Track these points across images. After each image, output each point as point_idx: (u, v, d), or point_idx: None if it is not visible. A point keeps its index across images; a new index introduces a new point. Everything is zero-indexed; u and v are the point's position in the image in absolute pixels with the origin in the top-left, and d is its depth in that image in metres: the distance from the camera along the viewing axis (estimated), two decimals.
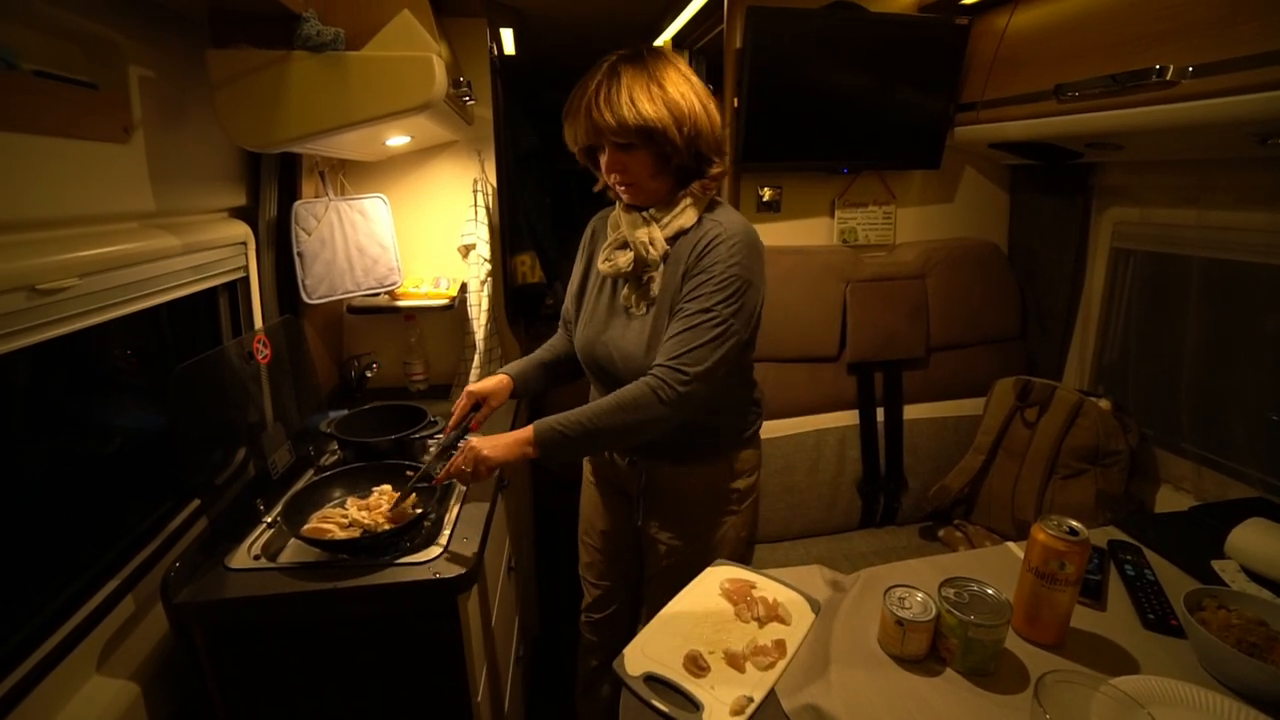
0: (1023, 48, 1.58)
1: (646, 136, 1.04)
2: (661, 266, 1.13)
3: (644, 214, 1.13)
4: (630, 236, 1.13)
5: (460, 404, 1.23)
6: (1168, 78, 1.16)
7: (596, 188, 1.20)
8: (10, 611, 0.87)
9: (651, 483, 1.26)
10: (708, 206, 1.14)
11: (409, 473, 1.26)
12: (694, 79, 1.09)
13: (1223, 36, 1.09)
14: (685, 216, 1.11)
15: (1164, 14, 1.20)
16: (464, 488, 1.29)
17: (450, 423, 1.23)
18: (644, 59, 1.06)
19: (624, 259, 1.13)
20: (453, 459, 1.09)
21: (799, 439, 1.80)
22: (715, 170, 1.12)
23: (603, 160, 1.10)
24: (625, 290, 1.16)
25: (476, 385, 1.25)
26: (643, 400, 1.04)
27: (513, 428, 1.61)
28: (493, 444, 1.06)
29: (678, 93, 1.05)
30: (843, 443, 1.83)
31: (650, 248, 1.11)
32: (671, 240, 1.12)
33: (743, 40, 1.62)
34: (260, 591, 1.00)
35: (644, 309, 1.14)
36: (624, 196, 1.13)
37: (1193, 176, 1.49)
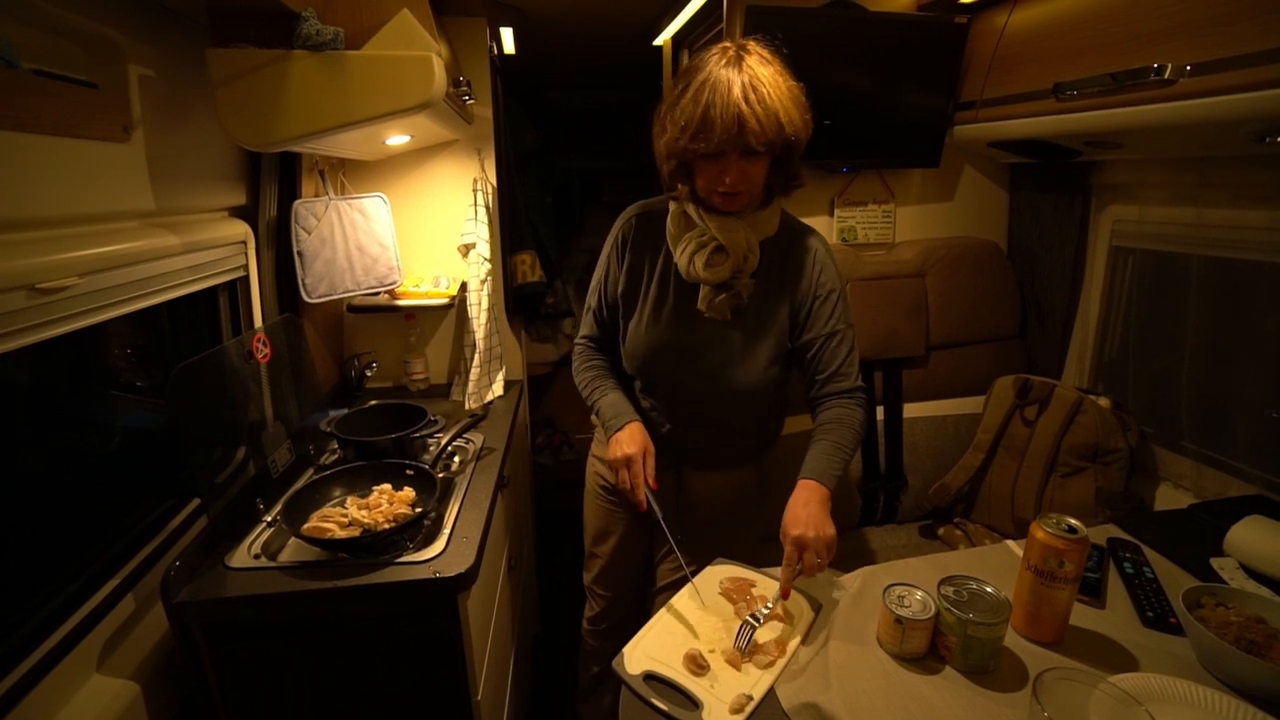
0: (1021, 46, 1.58)
1: (784, 146, 0.98)
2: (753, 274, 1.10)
3: (744, 219, 1.07)
4: (729, 241, 1.05)
5: (638, 472, 1.10)
6: (1166, 76, 1.16)
7: (681, 191, 1.09)
8: (11, 610, 0.87)
9: (684, 491, 1.25)
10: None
11: (408, 472, 1.26)
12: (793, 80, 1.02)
13: (1221, 35, 1.09)
14: (774, 223, 1.11)
15: (1162, 13, 1.20)
16: (464, 489, 1.29)
17: (642, 496, 1.09)
18: (766, 57, 0.99)
19: (728, 265, 1.06)
20: (804, 562, 0.94)
21: (799, 438, 1.78)
22: (801, 177, 1.10)
23: (712, 167, 1.00)
24: (707, 294, 1.09)
25: (636, 445, 1.11)
26: (863, 422, 1.11)
27: (512, 427, 1.63)
28: (819, 523, 0.95)
29: (799, 100, 1.00)
30: None
31: (750, 255, 1.08)
32: (760, 247, 1.11)
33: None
34: (260, 590, 1.00)
35: (729, 315, 1.10)
36: (724, 205, 1.05)
37: (1192, 174, 1.49)
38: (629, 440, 1.12)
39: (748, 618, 0.94)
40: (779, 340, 1.13)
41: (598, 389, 1.22)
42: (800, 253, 1.12)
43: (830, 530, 0.95)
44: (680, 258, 1.10)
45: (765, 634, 0.95)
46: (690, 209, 1.09)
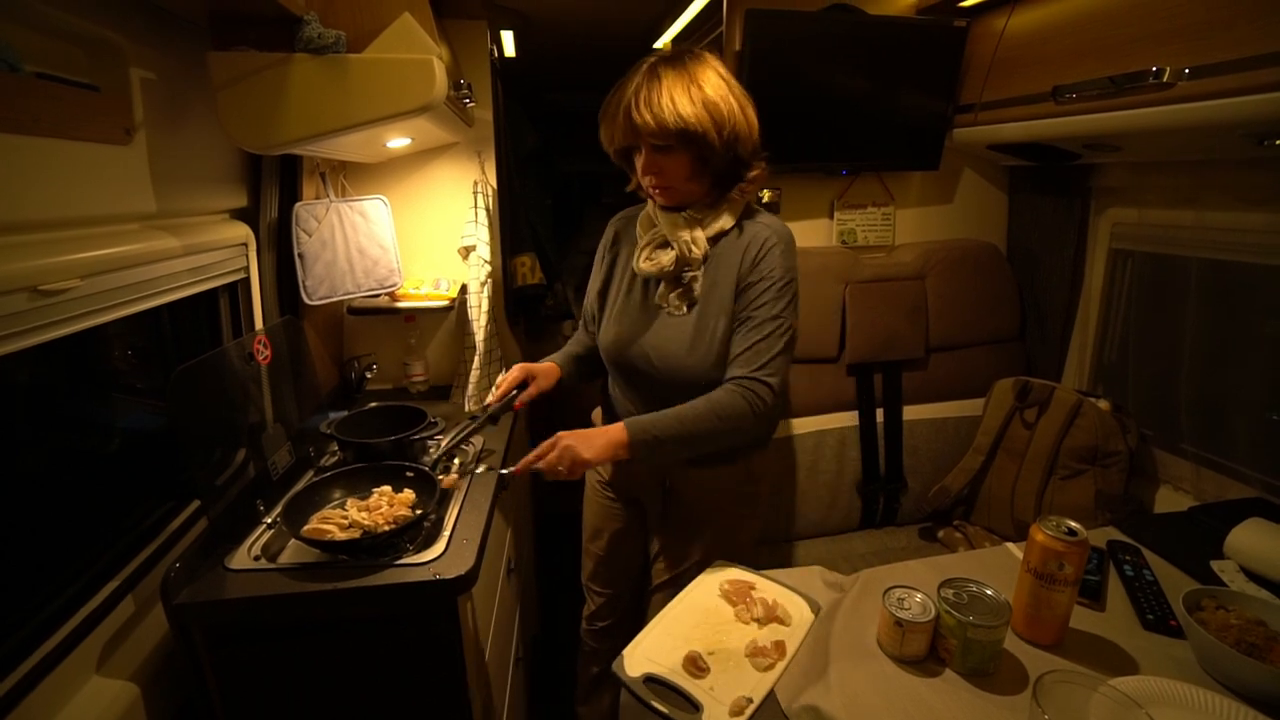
0: (1021, 50, 1.58)
1: (685, 139, 1.04)
2: (702, 267, 1.14)
3: (685, 214, 1.13)
4: (672, 236, 1.13)
5: (511, 377, 1.23)
6: (1165, 79, 1.17)
7: (629, 188, 1.20)
8: (10, 612, 0.87)
9: (672, 489, 1.25)
10: (745, 212, 1.16)
11: (408, 473, 1.27)
12: (734, 83, 1.09)
13: (1219, 38, 1.10)
14: (726, 219, 1.14)
15: (1161, 16, 1.20)
16: (463, 491, 1.29)
17: (498, 393, 1.23)
18: (684, 61, 1.06)
19: (667, 258, 1.13)
20: (544, 454, 1.06)
21: (798, 440, 1.80)
22: (754, 174, 1.13)
23: (639, 161, 1.10)
24: (662, 290, 1.16)
25: (528, 364, 1.26)
26: (737, 410, 1.07)
27: (512, 429, 1.63)
28: (589, 444, 1.05)
29: (718, 95, 1.05)
30: (842, 443, 1.83)
31: (693, 247, 1.12)
32: (712, 241, 1.14)
33: (741, 42, 1.62)
34: (260, 592, 1.00)
35: (684, 309, 1.14)
36: (658, 198, 1.14)
37: (1191, 177, 1.50)
38: (535, 364, 1.27)
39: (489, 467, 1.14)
40: (728, 329, 1.15)
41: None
42: (748, 243, 1.13)
43: (590, 460, 1.05)
44: (636, 254, 1.19)
45: (765, 636, 0.95)
46: (651, 209, 1.18)
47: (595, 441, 1.06)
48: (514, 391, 1.23)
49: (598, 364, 1.32)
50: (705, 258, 1.14)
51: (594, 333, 1.32)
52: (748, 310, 1.10)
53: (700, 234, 1.13)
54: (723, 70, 1.09)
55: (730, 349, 1.12)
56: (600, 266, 1.30)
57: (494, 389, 1.25)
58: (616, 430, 1.06)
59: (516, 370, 1.24)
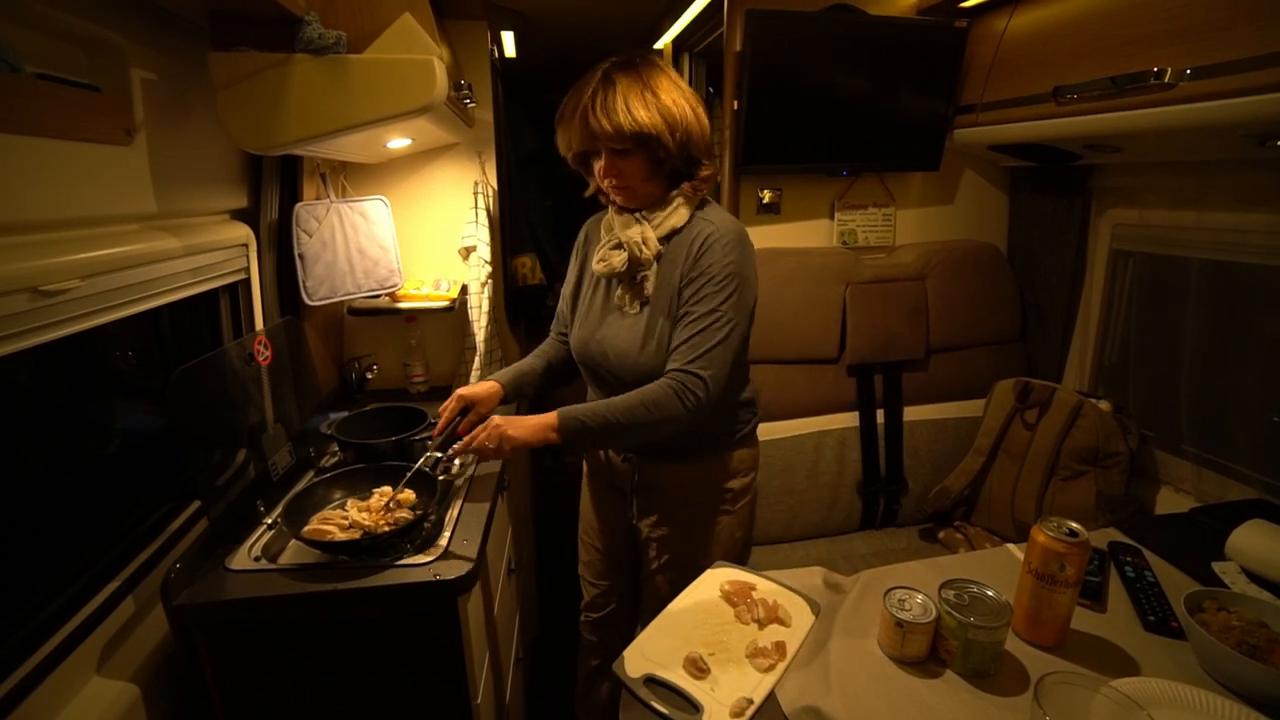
0: (1021, 50, 1.58)
1: (641, 142, 1.07)
2: (655, 266, 1.15)
3: (636, 215, 1.17)
4: (623, 236, 1.15)
5: (449, 407, 1.24)
6: (1166, 80, 1.17)
7: (588, 192, 1.24)
8: (11, 612, 0.87)
9: (644, 479, 1.26)
10: (698, 206, 1.17)
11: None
12: (684, 85, 1.13)
13: (1221, 39, 1.10)
14: (676, 216, 1.15)
15: (1162, 16, 1.20)
16: (464, 491, 1.29)
17: (439, 425, 1.24)
18: (636, 66, 1.09)
19: (618, 258, 1.15)
20: (475, 433, 1.12)
21: (799, 441, 1.80)
22: (705, 172, 1.16)
23: (597, 165, 1.13)
24: (619, 290, 1.18)
25: (466, 389, 1.26)
26: (664, 401, 1.08)
27: None
28: (518, 424, 1.11)
29: (670, 99, 1.08)
30: (843, 444, 1.83)
31: (643, 247, 1.14)
32: (664, 240, 1.15)
33: (742, 43, 1.62)
34: (260, 593, 1.00)
35: (637, 307, 1.16)
36: (617, 200, 1.17)
37: (1192, 178, 1.50)
38: (472, 387, 1.26)
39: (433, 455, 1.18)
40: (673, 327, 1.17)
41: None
42: (693, 239, 1.14)
43: (517, 437, 1.10)
44: (594, 255, 1.21)
45: (766, 637, 0.95)
46: (610, 210, 1.21)
47: (526, 422, 1.11)
48: (456, 419, 1.24)
49: (569, 368, 1.35)
50: (658, 256, 1.15)
51: (563, 335, 1.36)
52: (686, 305, 1.11)
53: (651, 233, 1.14)
54: (673, 74, 1.13)
55: (674, 337, 1.13)
56: (573, 268, 1.33)
57: (436, 423, 1.26)
58: (548, 415, 1.11)
59: (453, 400, 1.24)
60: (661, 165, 1.12)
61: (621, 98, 1.06)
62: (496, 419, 1.12)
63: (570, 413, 1.11)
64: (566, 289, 1.34)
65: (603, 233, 1.23)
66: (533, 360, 1.38)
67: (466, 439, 1.13)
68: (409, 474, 1.19)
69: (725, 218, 1.16)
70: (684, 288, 1.12)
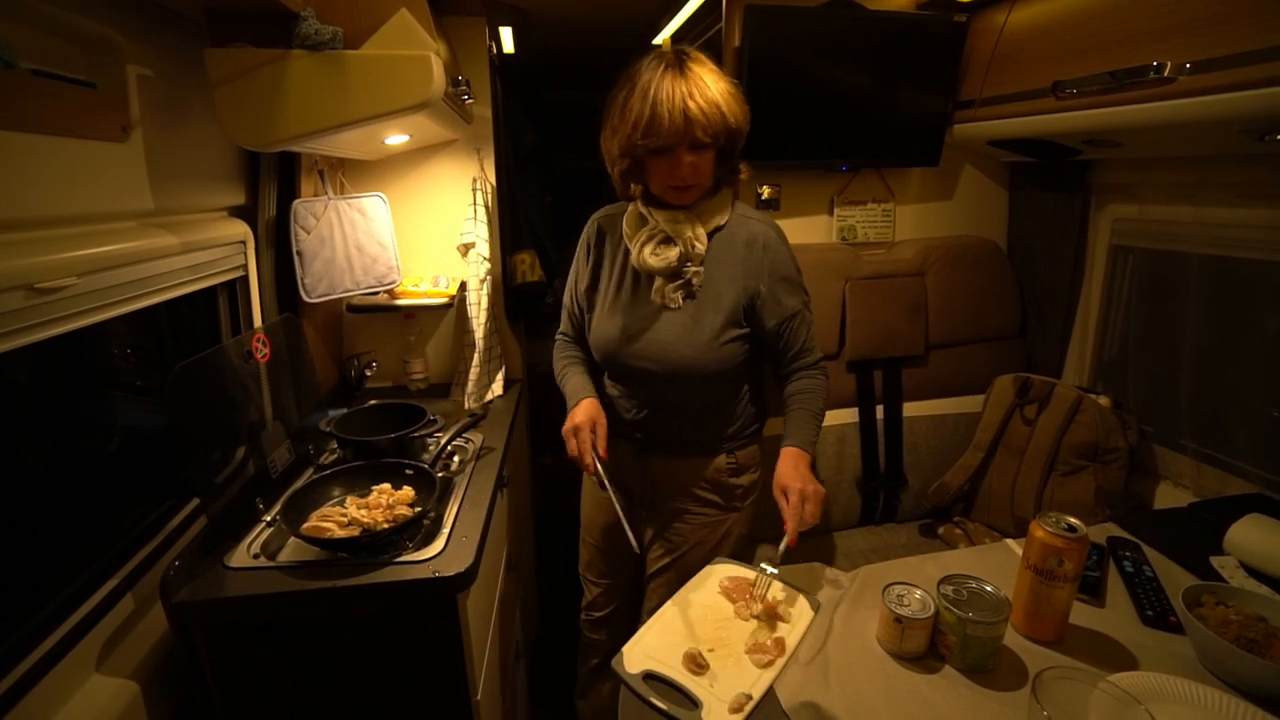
0: (1021, 45, 1.58)
1: (728, 136, 1.08)
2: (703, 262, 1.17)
3: (688, 211, 1.16)
4: (675, 232, 1.14)
5: (585, 439, 1.13)
6: (1165, 74, 1.16)
7: (634, 193, 1.20)
8: (10, 610, 0.87)
9: (654, 477, 1.26)
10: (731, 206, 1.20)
11: (407, 471, 1.26)
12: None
13: (1220, 33, 1.09)
14: (721, 214, 1.18)
15: (1162, 11, 1.20)
16: (463, 488, 1.29)
17: (591, 463, 1.12)
18: (699, 59, 1.08)
19: (674, 253, 1.14)
20: (802, 517, 1.02)
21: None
22: (745, 174, 1.20)
23: (660, 164, 1.09)
24: (659, 284, 1.17)
25: (585, 415, 1.16)
26: (827, 389, 1.22)
27: (512, 426, 1.63)
28: (810, 479, 1.06)
29: (736, 91, 1.10)
30: (842, 440, 1.83)
31: (696, 243, 1.15)
32: (709, 235, 1.17)
33: (741, 38, 1.62)
34: (259, 590, 1.00)
35: (680, 301, 1.16)
36: (677, 199, 1.14)
37: (1191, 173, 1.49)
38: (580, 412, 1.18)
39: (763, 565, 1.03)
40: (728, 322, 1.16)
41: (566, 374, 1.30)
42: (749, 239, 1.18)
43: (821, 488, 1.05)
44: (634, 252, 1.18)
45: (765, 633, 0.95)
46: (643, 208, 1.18)
47: (807, 473, 1.08)
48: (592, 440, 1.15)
49: (596, 368, 1.32)
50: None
51: (570, 334, 1.35)
52: (788, 307, 1.17)
53: (701, 230, 1.15)
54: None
55: (785, 343, 1.20)
56: (583, 265, 1.29)
57: (592, 453, 1.12)
58: (795, 453, 1.12)
59: (585, 428, 1.14)
60: (724, 162, 1.12)
61: (717, 90, 1.05)
62: (797, 485, 1.03)
63: (808, 439, 1.15)
64: (578, 287, 1.30)
65: (628, 228, 1.21)
66: (579, 364, 1.32)
67: (796, 524, 1.01)
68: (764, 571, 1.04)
69: (758, 213, 1.22)
70: (770, 292, 1.16)
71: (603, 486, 1.11)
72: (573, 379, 1.28)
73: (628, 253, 1.21)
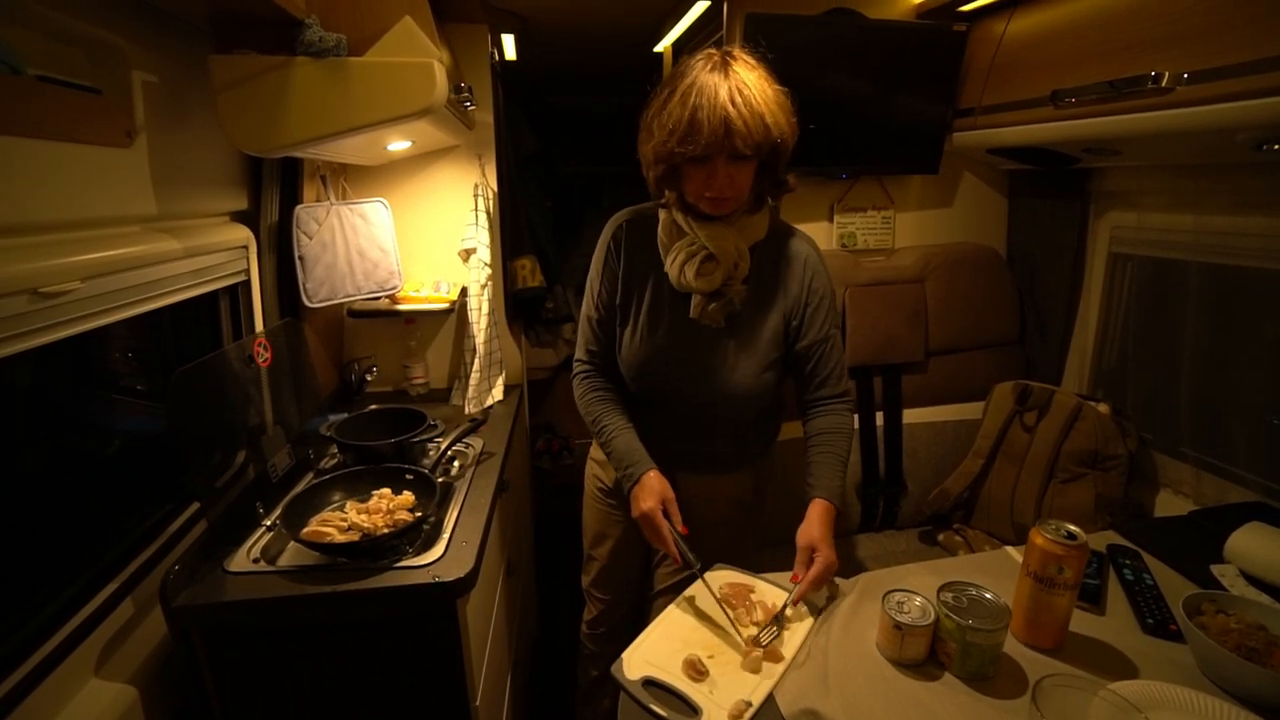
0: (1020, 54, 1.59)
1: (771, 150, 1.00)
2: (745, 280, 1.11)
3: (731, 226, 1.07)
4: (719, 249, 1.06)
5: (664, 526, 1.08)
6: (1164, 84, 1.17)
7: (665, 201, 1.11)
8: (9, 614, 0.87)
9: (681, 494, 1.24)
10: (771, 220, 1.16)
11: (407, 476, 1.26)
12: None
13: (1218, 43, 1.10)
14: (761, 229, 1.12)
15: (1160, 21, 1.20)
16: (463, 493, 1.29)
17: (674, 551, 1.07)
18: (749, 62, 0.99)
19: (719, 275, 1.07)
20: (814, 580, 0.99)
21: (798, 444, 1.79)
22: (790, 188, 1.11)
23: (699, 171, 1.00)
24: (698, 300, 1.09)
25: (652, 500, 1.09)
26: (853, 428, 1.17)
27: (512, 431, 1.63)
28: (829, 540, 1.03)
29: (784, 99, 1.01)
30: None
31: (741, 262, 1.09)
32: (751, 252, 1.11)
33: (742, 46, 1.62)
34: (259, 595, 1.00)
35: (722, 322, 1.10)
36: (711, 209, 1.05)
37: (1190, 181, 1.50)
38: (647, 493, 1.10)
39: (776, 620, 0.98)
40: (772, 345, 1.13)
41: (608, 427, 1.18)
42: (791, 257, 1.13)
43: (834, 557, 1.02)
44: (671, 267, 1.10)
45: (764, 639, 0.94)
46: (679, 217, 1.09)
47: (828, 534, 1.04)
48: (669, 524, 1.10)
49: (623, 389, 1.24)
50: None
51: (595, 351, 1.22)
52: (823, 330, 1.13)
53: (744, 246, 1.09)
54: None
55: (815, 368, 1.15)
56: (611, 273, 1.18)
57: (673, 536, 1.07)
58: (829, 512, 1.07)
59: (658, 510, 1.09)
60: (766, 175, 1.04)
61: (762, 100, 0.95)
62: (821, 551, 1.00)
63: (836, 490, 1.10)
64: (601, 296, 1.19)
65: (665, 236, 1.12)
66: (618, 411, 1.21)
67: (807, 584, 0.99)
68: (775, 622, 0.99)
69: (798, 230, 1.17)
70: (808, 312, 1.12)
71: (687, 565, 1.05)
72: (619, 437, 1.16)
73: (660, 264, 1.13)
